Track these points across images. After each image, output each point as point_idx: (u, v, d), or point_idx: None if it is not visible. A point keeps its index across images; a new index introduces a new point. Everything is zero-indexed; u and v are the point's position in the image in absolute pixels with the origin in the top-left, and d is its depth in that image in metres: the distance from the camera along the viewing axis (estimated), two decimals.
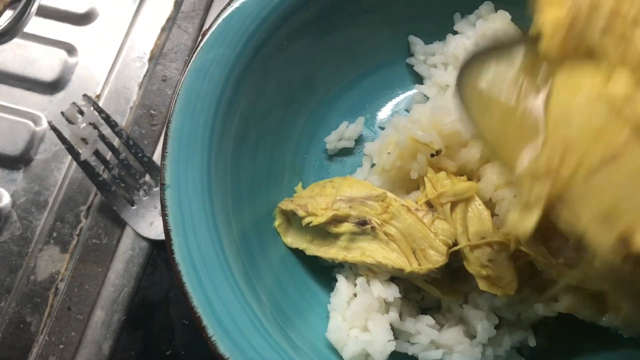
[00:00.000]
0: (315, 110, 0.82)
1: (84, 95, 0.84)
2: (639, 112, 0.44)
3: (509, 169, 0.52)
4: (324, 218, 0.68)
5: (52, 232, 0.85)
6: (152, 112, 0.91)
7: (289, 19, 0.73)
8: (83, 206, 0.86)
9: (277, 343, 0.61)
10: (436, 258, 0.65)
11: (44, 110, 0.92)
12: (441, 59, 0.81)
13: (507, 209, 0.61)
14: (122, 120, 0.91)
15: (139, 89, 0.93)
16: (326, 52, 0.80)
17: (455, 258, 0.66)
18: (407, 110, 0.84)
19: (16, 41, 0.82)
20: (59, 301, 0.81)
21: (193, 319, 0.60)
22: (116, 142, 0.84)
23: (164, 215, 0.63)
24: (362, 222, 0.68)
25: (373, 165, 0.78)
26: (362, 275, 0.69)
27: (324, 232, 0.70)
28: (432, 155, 0.69)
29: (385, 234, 0.68)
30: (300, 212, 0.70)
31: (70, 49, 0.96)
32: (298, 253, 0.73)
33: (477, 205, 0.66)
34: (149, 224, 0.83)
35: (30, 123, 0.91)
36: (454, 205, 0.66)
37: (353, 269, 0.71)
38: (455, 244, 0.66)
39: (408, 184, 0.73)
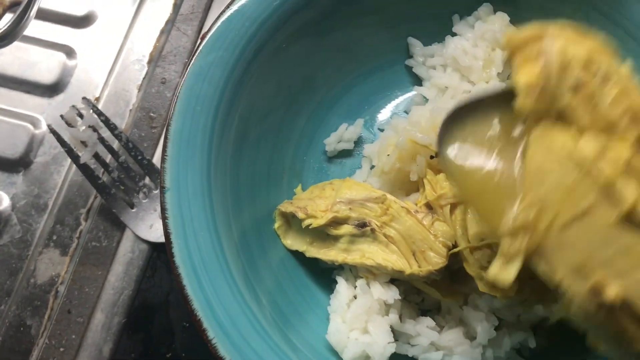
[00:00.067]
0: (314, 112, 0.82)
1: (84, 98, 0.84)
2: (605, 173, 0.47)
3: (488, 223, 0.55)
4: (323, 220, 0.68)
5: (52, 235, 0.85)
6: (152, 114, 0.91)
7: (288, 21, 0.73)
8: (83, 209, 0.86)
9: (277, 345, 0.61)
10: (436, 260, 0.65)
11: (43, 113, 0.92)
12: (440, 61, 0.81)
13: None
14: (122, 123, 0.91)
15: (138, 92, 0.93)
16: (325, 54, 0.80)
17: (455, 260, 0.66)
18: (407, 112, 0.84)
19: (15, 44, 0.82)
20: (59, 304, 0.81)
21: (193, 322, 0.60)
22: (116, 144, 0.84)
23: (164, 218, 0.63)
24: (362, 224, 0.68)
25: (372, 167, 0.78)
26: (362, 277, 0.69)
27: (323, 234, 0.70)
28: (432, 157, 0.69)
29: (385, 236, 0.68)
30: (300, 214, 0.70)
31: (69, 52, 0.96)
32: (298, 255, 0.73)
33: None
34: (149, 227, 0.83)
35: (30, 126, 0.91)
36: (453, 207, 0.67)
37: (353, 271, 0.71)
38: (455, 245, 0.66)
39: (407, 186, 0.73)
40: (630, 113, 0.50)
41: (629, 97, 0.51)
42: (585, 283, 0.48)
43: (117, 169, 0.83)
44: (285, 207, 0.73)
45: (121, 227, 0.84)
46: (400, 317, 0.68)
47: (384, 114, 0.85)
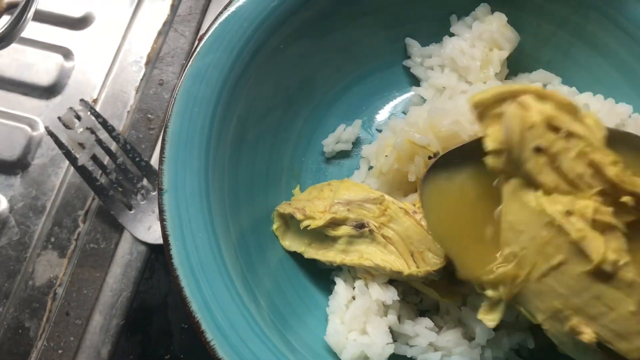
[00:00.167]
0: (312, 113, 0.82)
1: (81, 99, 0.84)
2: (573, 232, 0.51)
3: (467, 270, 0.60)
4: (322, 221, 0.68)
5: (50, 237, 0.85)
6: (150, 116, 0.91)
7: (285, 23, 0.73)
8: (81, 211, 0.86)
9: (275, 346, 0.61)
10: (434, 260, 0.65)
11: (41, 115, 0.92)
12: (438, 61, 0.81)
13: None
14: (119, 125, 0.91)
15: (136, 93, 0.93)
16: (323, 55, 0.80)
17: None
18: (405, 113, 0.84)
19: (13, 46, 0.82)
20: (57, 306, 0.81)
21: (192, 324, 0.60)
22: (113, 146, 0.84)
23: (161, 220, 0.63)
24: (360, 225, 0.68)
25: (370, 167, 0.78)
26: (360, 278, 0.69)
27: (322, 235, 0.70)
28: (430, 157, 0.69)
29: (383, 236, 0.68)
30: (298, 216, 0.70)
31: (66, 54, 0.96)
32: (296, 256, 0.73)
33: None
34: (147, 228, 0.83)
35: (27, 128, 0.91)
36: None
37: (351, 272, 0.71)
38: None
39: (405, 187, 0.73)
40: (592, 168, 0.53)
41: (591, 153, 0.53)
42: (564, 326, 0.53)
43: (115, 170, 0.83)
44: (284, 208, 0.73)
45: (119, 228, 0.84)
46: (398, 318, 0.68)
47: (382, 115, 0.85)
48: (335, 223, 0.69)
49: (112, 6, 0.99)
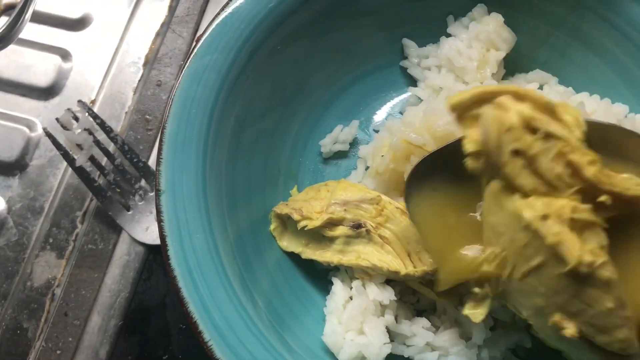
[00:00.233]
0: (310, 113, 0.82)
1: (79, 101, 0.84)
2: (550, 236, 0.51)
3: (450, 268, 0.61)
4: (319, 222, 0.68)
5: (48, 238, 0.85)
6: (147, 117, 0.91)
7: (283, 24, 0.73)
8: (79, 212, 0.86)
9: (273, 347, 0.62)
10: (431, 260, 0.66)
11: (39, 116, 0.92)
12: (435, 62, 0.82)
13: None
14: (117, 126, 0.91)
15: (133, 94, 0.93)
16: (320, 55, 0.80)
17: None
18: (402, 113, 0.84)
19: (11, 47, 0.82)
20: (55, 307, 0.81)
21: (189, 324, 0.60)
22: (111, 147, 0.85)
23: (159, 221, 0.63)
24: (357, 225, 0.68)
25: (367, 168, 0.78)
26: (357, 279, 0.69)
27: (319, 235, 0.70)
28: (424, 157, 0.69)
29: (380, 236, 0.68)
30: (295, 216, 0.70)
31: (64, 55, 0.96)
32: (294, 257, 0.73)
33: None
34: (145, 229, 0.83)
35: (26, 129, 0.91)
36: None
37: (349, 272, 0.71)
38: None
39: (402, 187, 0.73)
40: (570, 169, 0.53)
41: (569, 153, 0.53)
42: (547, 320, 0.55)
43: (113, 171, 0.84)
44: (281, 209, 0.73)
45: (117, 229, 0.84)
46: (395, 318, 0.68)
47: (379, 115, 0.85)
48: (332, 223, 0.69)
49: (110, 7, 0.99)
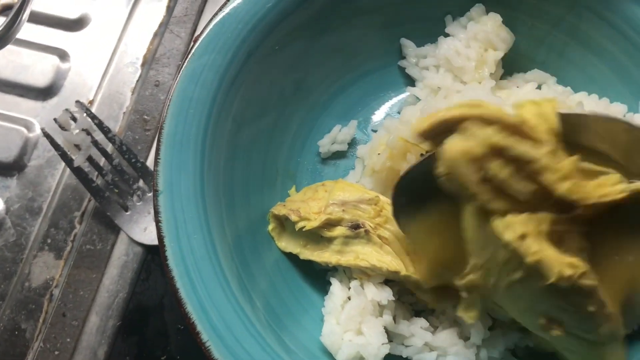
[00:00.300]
0: (308, 113, 0.82)
1: (77, 101, 0.84)
2: (529, 255, 0.52)
3: (438, 272, 0.63)
4: (317, 222, 0.68)
5: (46, 238, 0.85)
6: (146, 117, 0.91)
7: (280, 24, 0.73)
8: (77, 212, 0.86)
9: (271, 347, 0.61)
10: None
11: (37, 116, 0.92)
12: (433, 62, 0.81)
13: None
14: (115, 126, 0.91)
15: (132, 94, 0.93)
16: (318, 55, 0.80)
17: None
18: (400, 113, 0.84)
19: (8, 47, 0.82)
20: (53, 307, 0.81)
21: (187, 325, 0.60)
22: (109, 147, 0.84)
23: (157, 221, 0.63)
24: (356, 226, 0.68)
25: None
26: (355, 279, 0.69)
27: (317, 236, 0.70)
28: (421, 155, 0.69)
29: (379, 237, 0.68)
30: (293, 217, 0.70)
31: (62, 55, 0.96)
32: (292, 257, 0.73)
33: None
34: (143, 230, 0.83)
35: (24, 129, 0.91)
36: None
37: (347, 273, 0.71)
38: None
39: None
40: (540, 190, 0.53)
41: (540, 172, 0.53)
42: (535, 322, 0.57)
43: (111, 172, 0.83)
44: (278, 209, 0.73)
45: (115, 230, 0.84)
46: (394, 318, 0.68)
47: (377, 115, 0.85)
48: (330, 224, 0.69)
49: (108, 8, 0.99)
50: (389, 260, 0.67)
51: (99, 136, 0.83)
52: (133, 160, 0.84)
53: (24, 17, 0.79)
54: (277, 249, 0.73)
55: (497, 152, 0.53)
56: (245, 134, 0.74)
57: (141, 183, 0.84)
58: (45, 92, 0.94)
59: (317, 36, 0.79)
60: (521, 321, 0.60)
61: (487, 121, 0.54)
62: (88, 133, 0.82)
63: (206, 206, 0.65)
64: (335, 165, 0.83)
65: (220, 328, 0.60)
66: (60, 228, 0.85)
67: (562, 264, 0.51)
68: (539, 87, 0.79)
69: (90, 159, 0.82)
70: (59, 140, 0.82)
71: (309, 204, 0.70)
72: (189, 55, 0.69)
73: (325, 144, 0.82)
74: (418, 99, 0.82)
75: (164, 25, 0.97)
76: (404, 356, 0.68)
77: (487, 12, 0.80)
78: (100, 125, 0.83)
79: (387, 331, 0.67)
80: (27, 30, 0.92)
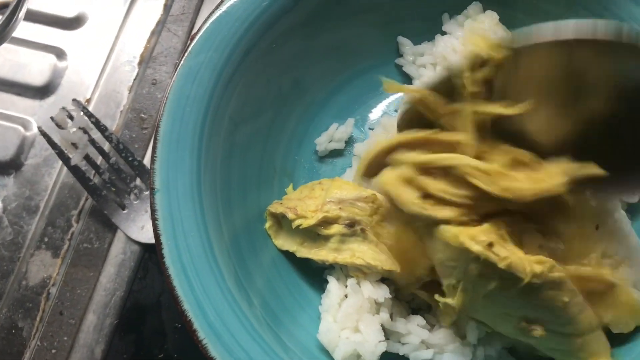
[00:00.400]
0: (305, 112, 0.82)
1: (74, 99, 0.84)
2: (500, 261, 0.54)
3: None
4: (313, 220, 0.68)
5: (43, 236, 0.85)
6: (143, 115, 0.91)
7: (277, 22, 0.73)
8: (74, 211, 0.86)
9: (268, 345, 0.61)
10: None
11: (34, 115, 0.92)
12: (430, 60, 0.82)
13: None
14: (113, 124, 0.91)
15: (129, 93, 0.93)
16: (315, 54, 0.80)
17: None
18: (397, 111, 0.84)
19: (5, 46, 0.82)
20: (50, 306, 0.81)
21: (184, 323, 0.60)
22: (106, 146, 0.84)
23: (153, 219, 0.63)
24: (352, 224, 0.68)
25: None
26: (352, 277, 0.69)
27: (314, 234, 0.70)
28: None
29: (376, 235, 0.68)
30: (290, 215, 0.70)
31: (59, 54, 0.96)
32: (289, 255, 0.73)
33: None
34: (140, 228, 0.83)
35: (21, 128, 0.91)
36: None
37: (344, 270, 0.71)
38: None
39: None
40: (480, 192, 0.56)
41: (468, 176, 0.56)
42: (515, 327, 0.59)
43: (108, 170, 0.83)
44: (275, 207, 0.73)
45: (112, 228, 0.84)
46: (391, 316, 0.68)
47: (375, 114, 0.85)
48: (327, 222, 0.69)
49: (105, 6, 0.99)
50: (384, 258, 0.67)
51: (96, 135, 0.83)
52: (130, 158, 0.83)
53: (20, 16, 0.79)
54: (274, 247, 0.73)
55: (424, 169, 0.58)
56: (242, 132, 0.74)
57: (138, 181, 0.84)
58: (42, 91, 0.93)
59: (314, 34, 0.79)
60: (502, 330, 0.62)
61: (411, 146, 0.59)
62: (85, 131, 0.82)
63: (203, 204, 0.65)
64: (333, 163, 0.83)
65: (217, 326, 0.60)
66: (57, 226, 0.85)
67: (531, 262, 0.55)
68: None
69: (87, 158, 0.82)
70: (56, 138, 0.82)
71: (306, 202, 0.70)
72: (186, 54, 0.69)
73: (323, 142, 0.82)
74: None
75: (161, 23, 0.97)
76: (401, 354, 0.68)
77: (484, 10, 0.80)
78: (97, 123, 0.83)
79: (384, 329, 0.67)
80: (24, 29, 0.92)
